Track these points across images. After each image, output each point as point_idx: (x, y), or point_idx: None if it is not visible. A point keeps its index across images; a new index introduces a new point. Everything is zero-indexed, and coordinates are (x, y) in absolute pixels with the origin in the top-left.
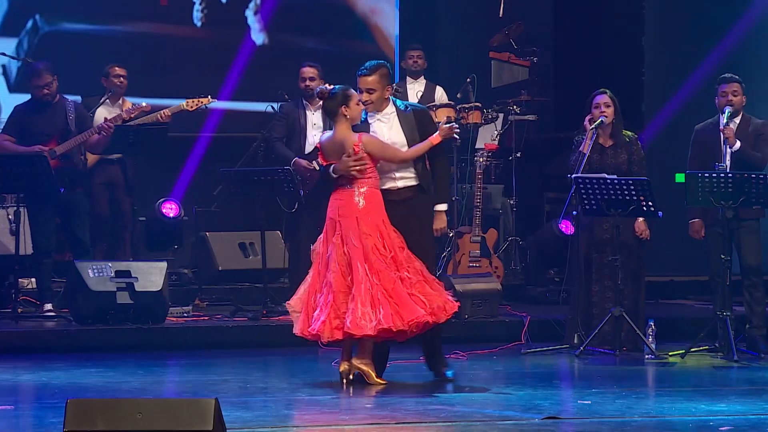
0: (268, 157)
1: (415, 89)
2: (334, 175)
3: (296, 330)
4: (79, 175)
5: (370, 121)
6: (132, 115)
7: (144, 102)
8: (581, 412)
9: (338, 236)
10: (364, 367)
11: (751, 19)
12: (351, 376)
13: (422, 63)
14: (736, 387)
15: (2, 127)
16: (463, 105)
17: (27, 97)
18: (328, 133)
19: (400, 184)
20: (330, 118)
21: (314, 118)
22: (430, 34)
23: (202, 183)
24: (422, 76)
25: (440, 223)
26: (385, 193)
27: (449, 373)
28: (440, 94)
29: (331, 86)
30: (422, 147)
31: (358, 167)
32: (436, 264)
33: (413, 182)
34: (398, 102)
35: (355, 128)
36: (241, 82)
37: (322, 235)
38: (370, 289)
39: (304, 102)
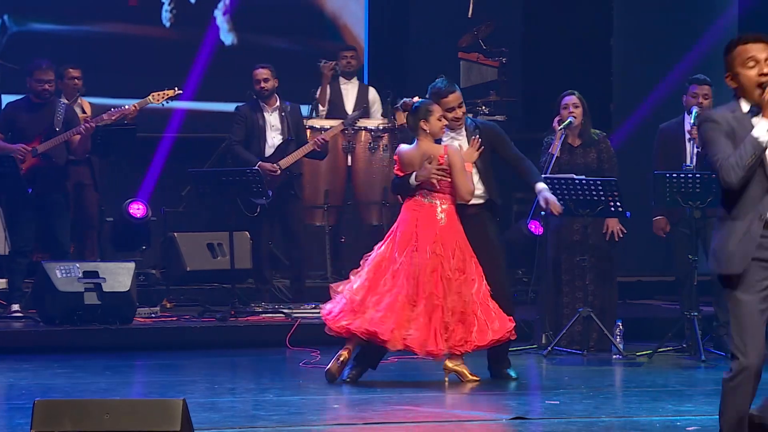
0: (236, 158)
1: (348, 90)
2: (415, 183)
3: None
4: (60, 175)
5: (443, 139)
6: (114, 118)
7: (120, 103)
8: (549, 412)
9: (414, 246)
10: (459, 368)
11: (723, 24)
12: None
13: (356, 63)
14: (703, 387)
15: None
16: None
17: None
18: (409, 146)
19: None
20: (411, 132)
21: (272, 119)
22: (398, 33)
23: (170, 183)
24: (355, 77)
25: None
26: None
27: (512, 373)
28: (373, 95)
29: (416, 99)
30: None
31: (440, 176)
32: (508, 279)
33: (481, 200)
34: (469, 120)
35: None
36: (210, 83)
37: (388, 241)
38: (426, 311)
39: (261, 104)
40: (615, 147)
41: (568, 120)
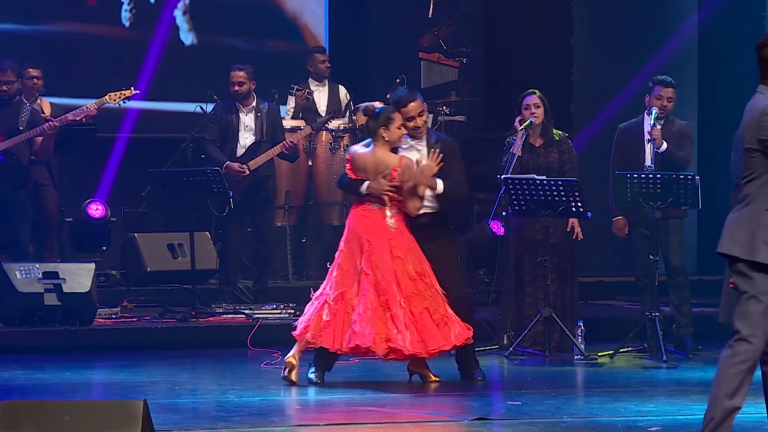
0: (197, 158)
1: (320, 92)
2: (364, 192)
3: (331, 346)
4: (22, 174)
5: (402, 146)
6: (79, 118)
7: (80, 103)
8: (511, 413)
9: (367, 255)
10: (422, 370)
11: (684, 32)
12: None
13: (328, 67)
14: (664, 387)
15: None
16: None
17: None
18: (364, 149)
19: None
20: (370, 137)
21: (247, 120)
22: (359, 34)
23: (130, 184)
24: (326, 78)
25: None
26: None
27: (479, 374)
28: (344, 94)
29: (378, 104)
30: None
31: (391, 193)
32: (465, 289)
33: (431, 209)
34: (432, 132)
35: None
36: (170, 83)
37: (343, 248)
38: (396, 316)
39: (237, 104)
40: (578, 148)
41: (529, 120)
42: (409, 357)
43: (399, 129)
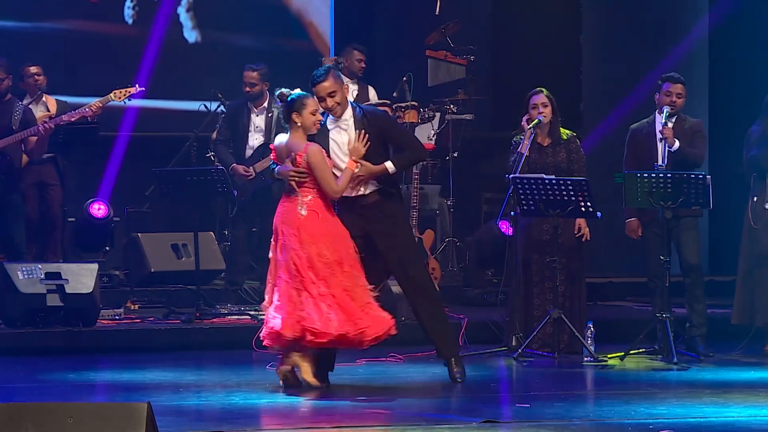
0: (201, 157)
1: (351, 92)
2: (277, 177)
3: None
4: (15, 175)
5: (329, 127)
6: (73, 119)
7: (82, 101)
8: (519, 416)
9: (281, 244)
10: (303, 361)
11: (696, 33)
12: (288, 380)
13: (364, 67)
14: (675, 390)
15: None
16: (400, 104)
17: None
18: (284, 136)
19: (365, 189)
20: (286, 123)
21: (257, 120)
22: (365, 31)
23: (133, 183)
24: (358, 78)
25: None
26: (354, 199)
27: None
28: (373, 95)
29: (293, 91)
30: (346, 178)
31: (296, 178)
32: (423, 265)
33: (374, 186)
34: (354, 105)
35: (314, 137)
36: (173, 80)
37: (271, 242)
38: (318, 296)
39: (249, 105)
40: (587, 148)
41: (537, 119)
42: (340, 338)
43: (312, 115)
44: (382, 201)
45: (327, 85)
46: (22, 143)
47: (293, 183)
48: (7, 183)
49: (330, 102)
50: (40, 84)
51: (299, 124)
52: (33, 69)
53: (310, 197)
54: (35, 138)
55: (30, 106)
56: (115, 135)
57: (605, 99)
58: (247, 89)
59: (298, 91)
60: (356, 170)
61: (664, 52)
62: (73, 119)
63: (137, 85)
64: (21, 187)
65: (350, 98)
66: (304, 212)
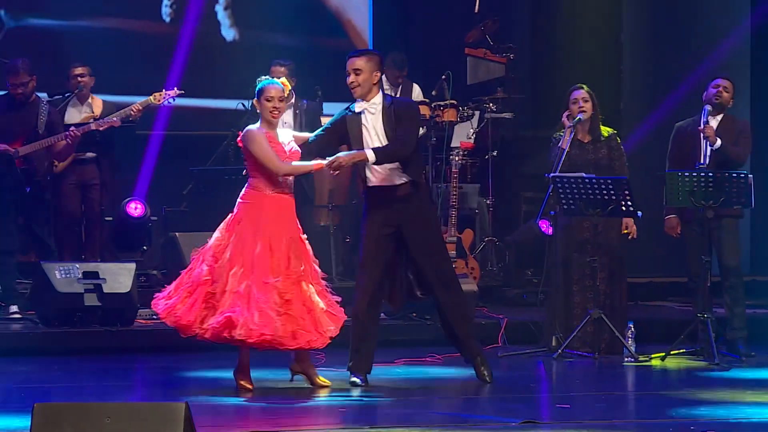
0: (239, 156)
1: (391, 92)
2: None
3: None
4: (39, 179)
5: (357, 110)
6: (101, 128)
7: (121, 100)
8: (559, 416)
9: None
10: (306, 371)
11: (741, 29)
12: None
13: (401, 82)
14: (716, 390)
15: None
16: (438, 102)
17: None
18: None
19: (397, 180)
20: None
21: (285, 116)
22: (403, 29)
23: (171, 182)
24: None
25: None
26: (386, 189)
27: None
28: (417, 93)
29: (262, 78)
30: (304, 168)
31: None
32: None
33: (405, 178)
34: (387, 95)
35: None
36: (211, 79)
37: None
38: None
39: None
40: (628, 146)
41: (578, 117)
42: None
43: (267, 101)
44: (413, 193)
45: (356, 61)
46: (47, 147)
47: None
48: (35, 186)
49: (352, 77)
50: (87, 85)
51: (258, 111)
52: (79, 69)
53: (245, 188)
54: (62, 143)
55: (74, 107)
56: (151, 134)
57: (646, 98)
58: None
59: (265, 78)
60: (324, 167)
61: (706, 52)
62: (101, 128)
63: (176, 88)
64: (49, 187)
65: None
66: (236, 204)
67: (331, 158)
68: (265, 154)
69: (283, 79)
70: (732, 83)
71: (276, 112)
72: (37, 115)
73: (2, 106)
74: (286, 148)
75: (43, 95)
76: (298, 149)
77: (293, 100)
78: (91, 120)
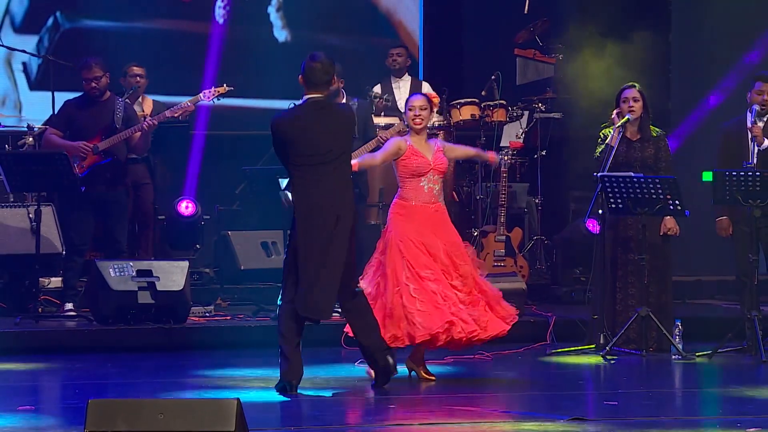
0: None
1: (400, 87)
2: None
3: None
4: (121, 173)
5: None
6: (177, 114)
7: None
8: (607, 413)
9: None
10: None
11: None
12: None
13: (401, 61)
14: (764, 388)
15: (52, 120)
16: (488, 102)
17: (48, 95)
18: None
19: None
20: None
21: None
22: (454, 30)
23: (224, 182)
24: (406, 73)
25: None
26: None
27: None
28: (427, 89)
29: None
30: None
31: None
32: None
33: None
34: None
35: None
36: (263, 79)
37: None
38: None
39: None
40: (674, 145)
41: (626, 117)
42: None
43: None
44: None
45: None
46: (125, 141)
47: None
48: (112, 181)
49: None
50: (142, 85)
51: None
52: (137, 69)
53: None
54: (139, 134)
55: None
56: (202, 133)
57: (694, 98)
58: None
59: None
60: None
61: (749, 51)
62: (176, 114)
63: (225, 85)
64: (125, 184)
65: (402, 92)
66: None
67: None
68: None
69: (429, 90)
70: None
71: (418, 120)
72: (113, 111)
73: (79, 105)
74: (430, 157)
75: None
76: (444, 157)
77: (343, 100)
78: (144, 117)
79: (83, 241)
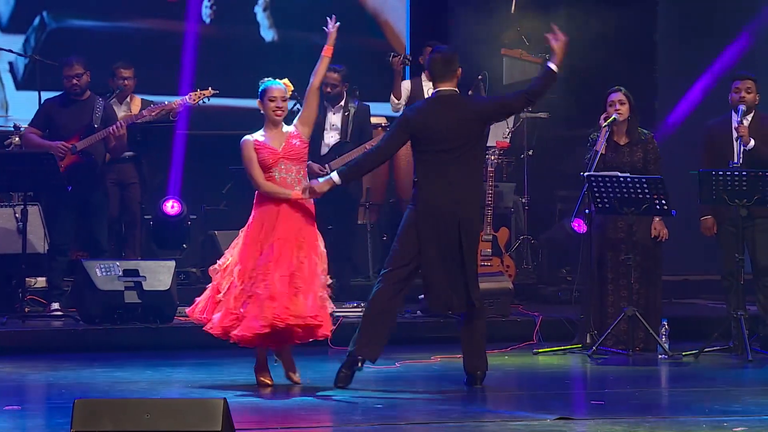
0: None
1: (428, 86)
2: None
3: None
4: (98, 173)
5: None
6: (153, 114)
7: (161, 100)
8: (593, 413)
9: None
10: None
11: (762, 21)
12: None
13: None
14: (750, 387)
15: (31, 119)
16: None
17: (34, 95)
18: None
19: None
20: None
21: (334, 119)
22: (441, 30)
23: (210, 181)
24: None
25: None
26: None
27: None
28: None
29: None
30: (282, 192)
31: None
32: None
33: None
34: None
35: None
36: (251, 79)
37: None
38: None
39: (325, 103)
40: (658, 143)
41: (612, 117)
42: None
43: (272, 101)
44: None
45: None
46: (103, 141)
47: None
48: (91, 181)
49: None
50: (130, 86)
51: (262, 111)
52: (125, 72)
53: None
54: (115, 135)
55: (113, 105)
56: (184, 133)
57: (680, 97)
58: (328, 90)
59: (267, 80)
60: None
61: (734, 49)
62: (153, 114)
63: (210, 88)
64: (104, 184)
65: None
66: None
67: (305, 185)
68: (248, 169)
69: (286, 80)
70: (753, 80)
71: (279, 112)
72: (92, 111)
73: (57, 104)
74: (280, 147)
75: None
76: (299, 142)
77: (342, 103)
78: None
79: (64, 241)
